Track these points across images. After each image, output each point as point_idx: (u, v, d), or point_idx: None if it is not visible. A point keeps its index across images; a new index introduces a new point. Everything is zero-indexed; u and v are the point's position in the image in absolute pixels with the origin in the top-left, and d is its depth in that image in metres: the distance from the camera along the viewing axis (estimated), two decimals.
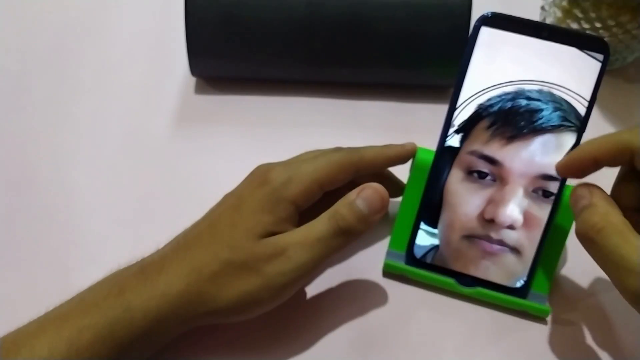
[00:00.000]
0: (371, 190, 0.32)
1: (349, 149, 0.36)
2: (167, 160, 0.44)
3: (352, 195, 0.32)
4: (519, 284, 0.36)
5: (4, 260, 0.38)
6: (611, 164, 0.32)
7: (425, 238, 0.36)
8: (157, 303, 0.30)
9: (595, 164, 0.32)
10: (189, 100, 0.48)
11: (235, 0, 0.44)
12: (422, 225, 0.36)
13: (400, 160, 0.37)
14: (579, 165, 0.33)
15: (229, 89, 0.48)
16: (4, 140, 0.45)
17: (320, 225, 0.32)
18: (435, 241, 0.36)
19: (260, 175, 0.34)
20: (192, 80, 0.49)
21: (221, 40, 0.45)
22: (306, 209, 0.34)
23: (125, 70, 0.50)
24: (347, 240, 0.32)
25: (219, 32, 0.44)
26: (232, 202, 0.33)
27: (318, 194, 0.34)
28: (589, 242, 0.30)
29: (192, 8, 0.44)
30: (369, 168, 0.36)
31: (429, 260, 0.36)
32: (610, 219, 0.30)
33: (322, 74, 0.47)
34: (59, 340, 0.29)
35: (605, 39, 0.34)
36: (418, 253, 0.36)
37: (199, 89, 0.49)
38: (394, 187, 0.39)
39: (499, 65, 0.34)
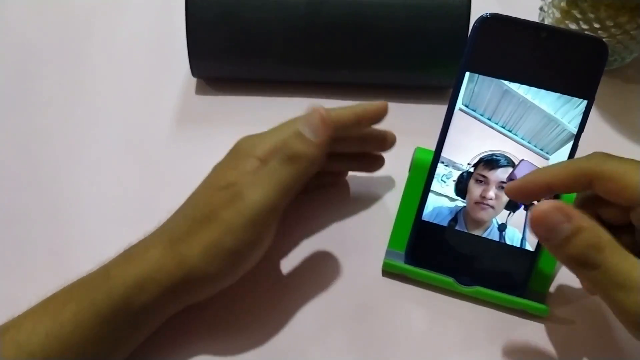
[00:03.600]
0: (311, 112, 0.32)
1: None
2: (168, 160, 0.44)
3: (298, 124, 0.33)
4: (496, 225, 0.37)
5: (6, 258, 0.39)
6: (564, 190, 0.33)
7: (448, 204, 0.37)
8: (134, 269, 0.31)
9: (547, 190, 0.32)
10: (189, 100, 0.48)
11: (236, 1, 0.44)
12: (453, 195, 0.37)
13: (372, 116, 0.37)
14: (530, 190, 0.33)
15: (230, 90, 0.48)
16: (6, 140, 0.45)
17: (270, 160, 0.32)
18: (461, 205, 0.37)
19: (238, 150, 0.35)
20: (193, 80, 0.49)
21: (222, 41, 0.45)
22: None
23: (126, 71, 0.50)
24: (299, 167, 0.32)
25: (219, 33, 0.45)
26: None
27: None
28: (589, 265, 0.28)
29: (192, 9, 0.44)
30: (341, 127, 0.35)
31: (458, 219, 0.37)
32: (605, 237, 0.28)
33: (322, 75, 0.47)
34: (44, 314, 0.30)
35: (604, 40, 0.34)
36: (440, 219, 0.37)
37: (200, 90, 0.49)
38: (375, 159, 0.41)
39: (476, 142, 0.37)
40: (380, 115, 0.37)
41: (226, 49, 0.45)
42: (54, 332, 0.29)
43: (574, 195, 0.36)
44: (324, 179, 0.42)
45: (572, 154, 0.35)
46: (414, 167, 0.38)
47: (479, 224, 0.37)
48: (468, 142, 0.36)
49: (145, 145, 0.45)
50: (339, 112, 0.35)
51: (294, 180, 0.32)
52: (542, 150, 0.36)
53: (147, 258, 0.31)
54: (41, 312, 0.30)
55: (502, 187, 0.37)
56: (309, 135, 0.32)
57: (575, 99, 0.35)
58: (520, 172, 0.36)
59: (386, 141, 0.40)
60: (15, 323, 0.30)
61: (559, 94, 0.35)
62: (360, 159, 0.41)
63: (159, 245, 0.32)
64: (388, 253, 0.38)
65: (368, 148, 0.40)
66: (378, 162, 0.41)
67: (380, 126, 0.45)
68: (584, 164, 0.31)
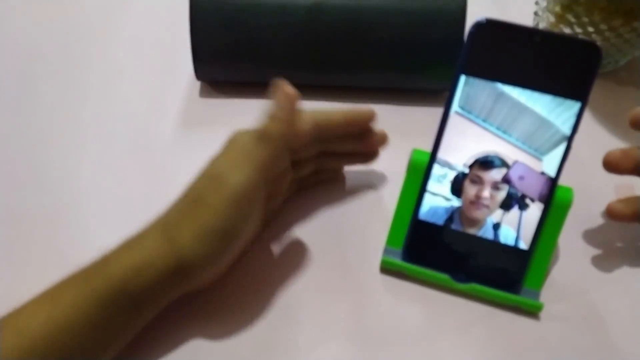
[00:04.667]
0: (276, 90, 0.34)
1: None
2: (172, 163, 0.44)
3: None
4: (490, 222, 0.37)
5: (11, 259, 0.39)
6: None
7: (444, 203, 0.38)
8: (132, 255, 0.32)
9: None
10: (194, 103, 0.48)
11: (240, 5, 0.45)
12: (448, 195, 0.38)
13: (359, 120, 0.39)
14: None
15: (233, 93, 0.48)
16: (11, 142, 0.45)
17: (245, 141, 0.34)
18: (456, 204, 0.38)
19: (231, 142, 0.36)
20: (197, 84, 0.49)
21: (225, 45, 0.45)
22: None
23: (131, 74, 0.50)
24: (272, 144, 0.33)
25: (223, 37, 0.45)
26: None
27: None
28: None
29: (197, 13, 0.45)
30: (331, 127, 0.38)
31: (454, 218, 0.38)
32: None
33: (323, 78, 0.47)
34: (44, 300, 0.31)
35: (598, 43, 0.34)
36: (436, 219, 0.38)
37: (204, 93, 0.49)
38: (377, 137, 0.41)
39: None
40: (366, 120, 0.39)
41: (230, 53, 0.46)
42: (53, 318, 0.30)
43: (570, 191, 0.37)
44: (321, 175, 0.42)
45: (565, 155, 0.36)
46: (411, 167, 0.38)
47: (474, 222, 0.37)
48: (463, 144, 0.37)
49: (149, 148, 0.45)
50: (329, 113, 0.38)
51: (269, 157, 0.33)
52: (535, 151, 0.36)
53: (143, 244, 0.32)
54: (41, 299, 0.31)
55: (497, 187, 0.37)
56: (276, 112, 0.34)
57: (569, 101, 0.35)
58: (514, 173, 0.37)
59: (376, 140, 0.41)
60: (16, 311, 0.31)
61: (552, 97, 0.35)
62: (354, 155, 0.42)
63: (154, 232, 0.33)
64: (386, 251, 0.38)
65: (360, 147, 0.42)
66: (371, 155, 0.42)
67: (377, 127, 0.46)
68: None
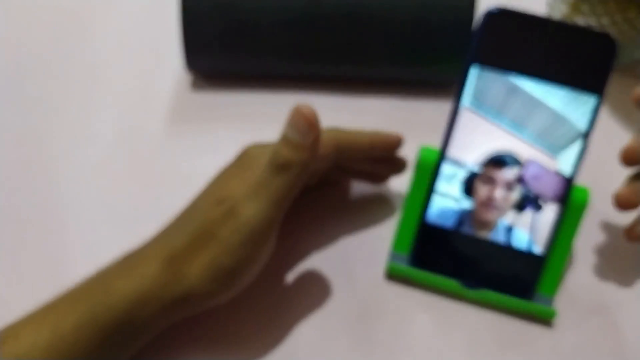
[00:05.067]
0: (294, 114, 0.31)
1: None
2: (162, 158, 0.43)
3: (284, 129, 0.31)
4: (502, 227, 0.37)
5: (3, 262, 0.38)
6: None
7: (453, 205, 0.37)
8: (135, 284, 0.30)
9: None
10: (184, 97, 0.47)
11: None
12: (458, 195, 0.37)
13: (386, 147, 0.38)
14: None
15: (226, 86, 0.48)
16: (1, 141, 0.44)
17: (261, 171, 0.31)
18: (467, 206, 0.37)
19: (245, 159, 0.34)
20: (188, 76, 0.48)
21: (218, 33, 0.44)
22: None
23: (118, 66, 0.49)
24: (292, 175, 0.31)
25: (215, 25, 0.44)
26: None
27: None
28: None
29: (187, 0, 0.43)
30: (354, 150, 0.36)
31: (464, 221, 0.37)
32: None
33: (323, 70, 0.46)
34: (43, 325, 0.29)
35: (613, 36, 0.34)
36: (445, 221, 0.37)
37: (195, 86, 0.48)
38: (396, 163, 0.40)
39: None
40: (393, 146, 0.38)
41: (223, 42, 0.44)
42: (54, 346, 0.29)
43: (587, 191, 0.36)
44: (327, 176, 0.41)
45: (581, 153, 0.35)
46: (419, 167, 0.37)
47: (486, 225, 0.36)
48: (474, 141, 0.36)
49: (138, 143, 0.44)
50: (354, 135, 0.36)
51: (288, 189, 0.31)
52: (550, 149, 0.35)
53: (147, 273, 0.31)
54: (40, 322, 0.30)
55: (510, 188, 0.36)
56: (295, 139, 0.30)
57: (584, 96, 0.34)
58: (527, 172, 0.36)
59: (396, 167, 0.40)
60: (13, 333, 0.29)
61: (567, 92, 0.34)
62: (365, 173, 0.41)
63: (159, 259, 0.31)
64: (392, 256, 0.37)
65: (378, 169, 0.40)
66: (382, 178, 0.41)
67: (382, 123, 0.45)
68: None
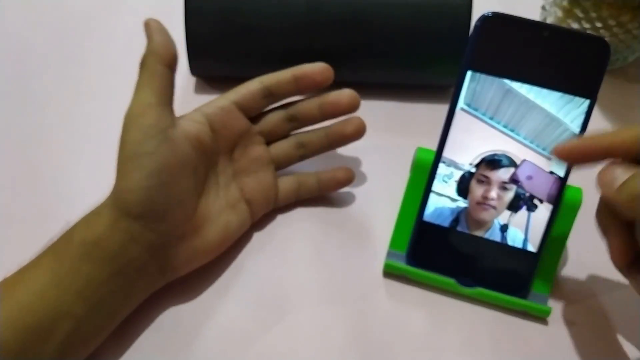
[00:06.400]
0: (144, 27, 0.37)
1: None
2: None
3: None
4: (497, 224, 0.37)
5: (4, 261, 0.37)
6: (625, 155, 0.30)
7: (449, 204, 0.37)
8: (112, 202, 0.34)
9: (604, 154, 0.30)
10: (188, 100, 0.47)
11: None
12: (454, 195, 0.37)
13: (311, 76, 0.38)
14: (585, 153, 0.31)
15: (229, 89, 0.46)
16: (5, 141, 0.45)
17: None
18: (462, 205, 0.37)
19: None
20: (192, 79, 0.49)
21: (221, 39, 0.44)
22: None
23: (125, 70, 0.48)
24: (150, 65, 0.37)
25: (218, 31, 0.44)
26: None
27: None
28: None
29: (191, 7, 0.44)
30: (279, 84, 0.39)
31: (460, 220, 0.37)
32: None
33: None
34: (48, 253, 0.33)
35: (606, 39, 0.34)
36: (441, 220, 0.37)
37: (199, 89, 0.48)
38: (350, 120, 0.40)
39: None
40: (316, 73, 0.38)
41: (225, 47, 0.45)
42: (55, 280, 0.32)
43: (580, 191, 0.36)
44: (305, 150, 0.41)
45: None
46: (415, 167, 0.38)
47: (481, 224, 0.37)
48: (470, 142, 0.36)
49: None
50: (277, 73, 0.38)
51: (150, 77, 0.36)
52: (544, 150, 0.36)
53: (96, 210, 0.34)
54: (40, 256, 0.34)
55: (504, 188, 0.36)
56: (148, 40, 0.36)
57: (578, 98, 0.34)
58: (522, 172, 0.36)
59: (351, 123, 0.40)
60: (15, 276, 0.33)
61: (561, 94, 0.34)
62: (331, 133, 0.40)
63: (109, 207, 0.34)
64: (389, 254, 0.38)
65: (333, 135, 0.40)
66: (349, 135, 0.40)
67: (380, 125, 0.45)
68: None
